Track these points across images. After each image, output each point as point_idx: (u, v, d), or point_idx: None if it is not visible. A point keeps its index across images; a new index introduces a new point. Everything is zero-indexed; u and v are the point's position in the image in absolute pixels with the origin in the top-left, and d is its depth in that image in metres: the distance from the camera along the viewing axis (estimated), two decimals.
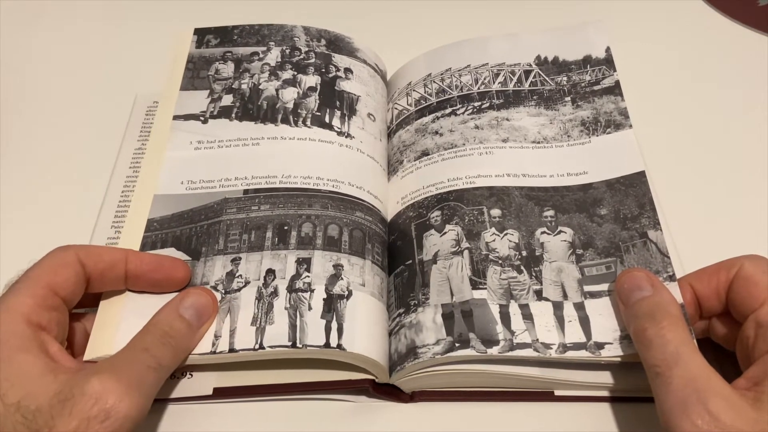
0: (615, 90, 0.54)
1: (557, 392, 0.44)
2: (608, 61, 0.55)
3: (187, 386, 0.43)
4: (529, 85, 0.55)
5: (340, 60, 0.57)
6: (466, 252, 0.46)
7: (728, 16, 0.70)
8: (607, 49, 0.56)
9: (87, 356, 0.40)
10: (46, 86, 0.64)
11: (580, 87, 0.55)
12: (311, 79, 0.55)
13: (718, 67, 0.66)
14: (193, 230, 0.46)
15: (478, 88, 0.55)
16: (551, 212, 0.47)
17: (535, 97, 0.55)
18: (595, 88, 0.54)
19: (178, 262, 0.43)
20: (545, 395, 0.44)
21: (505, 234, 0.46)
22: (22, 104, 0.62)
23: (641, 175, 0.48)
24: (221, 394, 0.43)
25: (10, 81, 0.64)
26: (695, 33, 0.69)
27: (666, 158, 0.58)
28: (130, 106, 0.59)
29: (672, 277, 0.43)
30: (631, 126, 0.51)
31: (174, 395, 0.43)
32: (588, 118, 0.53)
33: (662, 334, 0.36)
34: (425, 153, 0.52)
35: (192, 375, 0.43)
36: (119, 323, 0.41)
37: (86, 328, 0.42)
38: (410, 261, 0.46)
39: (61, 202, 0.54)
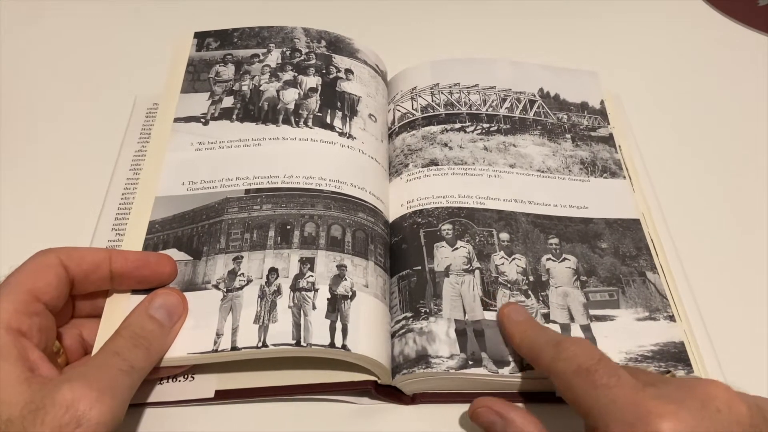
0: (609, 141, 0.56)
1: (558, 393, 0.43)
2: (603, 114, 0.58)
3: (188, 389, 0.42)
4: (534, 115, 0.57)
5: (341, 61, 0.56)
6: (477, 272, 0.46)
7: (728, 16, 0.70)
8: (602, 102, 0.58)
9: None
10: (45, 89, 0.63)
11: (579, 128, 0.56)
12: (312, 80, 0.54)
13: (718, 67, 0.66)
14: (194, 230, 0.45)
15: (486, 110, 0.56)
16: (556, 240, 0.48)
17: (539, 128, 0.56)
18: (592, 134, 0.56)
19: (163, 257, 0.43)
20: (546, 396, 0.43)
21: (513, 258, 0.47)
22: (21, 107, 0.62)
23: (637, 222, 0.50)
24: (223, 396, 0.42)
25: (10, 83, 0.63)
26: (695, 33, 0.69)
27: (665, 158, 0.58)
28: (129, 108, 0.59)
29: (672, 318, 0.45)
30: (625, 177, 0.53)
31: (175, 398, 0.42)
32: (586, 159, 0.54)
33: None
34: (434, 162, 0.52)
35: (194, 378, 0.43)
36: None
37: (81, 333, 0.42)
38: (419, 267, 0.46)
39: (61, 205, 0.54)
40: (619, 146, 0.56)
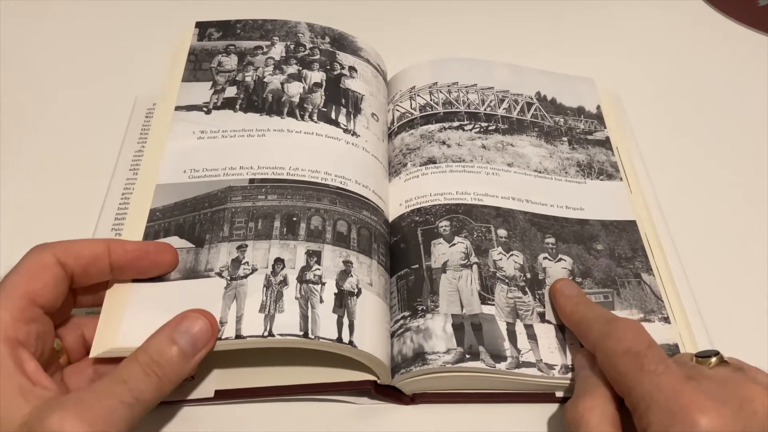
0: (606, 144, 0.56)
1: (558, 393, 0.44)
2: (599, 118, 0.58)
3: (188, 389, 0.41)
4: (531, 117, 0.57)
5: (345, 58, 0.56)
6: (475, 266, 0.46)
7: (728, 16, 0.70)
8: (598, 107, 0.59)
9: (93, 353, 0.37)
10: (45, 88, 0.62)
11: (575, 132, 0.57)
12: (316, 75, 0.53)
13: (718, 67, 0.67)
14: (197, 218, 0.44)
15: (485, 110, 0.56)
16: (552, 239, 0.48)
17: (536, 129, 0.56)
18: (589, 137, 0.56)
19: (163, 246, 0.41)
20: (546, 396, 0.43)
21: (511, 255, 0.47)
22: (22, 106, 0.60)
23: (633, 224, 0.50)
24: (223, 396, 0.41)
25: (10, 83, 0.62)
26: (695, 33, 0.70)
27: (665, 158, 0.58)
28: (129, 108, 0.58)
29: (666, 320, 0.45)
30: (621, 179, 0.53)
31: (175, 398, 0.41)
32: (583, 161, 0.54)
33: None
34: (432, 160, 0.52)
35: (193, 377, 0.42)
36: (123, 316, 0.39)
37: (83, 333, 0.40)
38: (417, 266, 0.45)
39: (62, 204, 0.53)
40: (617, 148, 0.56)
